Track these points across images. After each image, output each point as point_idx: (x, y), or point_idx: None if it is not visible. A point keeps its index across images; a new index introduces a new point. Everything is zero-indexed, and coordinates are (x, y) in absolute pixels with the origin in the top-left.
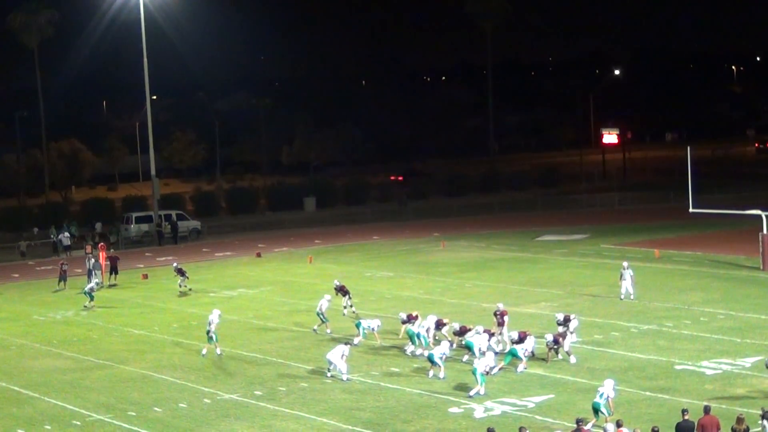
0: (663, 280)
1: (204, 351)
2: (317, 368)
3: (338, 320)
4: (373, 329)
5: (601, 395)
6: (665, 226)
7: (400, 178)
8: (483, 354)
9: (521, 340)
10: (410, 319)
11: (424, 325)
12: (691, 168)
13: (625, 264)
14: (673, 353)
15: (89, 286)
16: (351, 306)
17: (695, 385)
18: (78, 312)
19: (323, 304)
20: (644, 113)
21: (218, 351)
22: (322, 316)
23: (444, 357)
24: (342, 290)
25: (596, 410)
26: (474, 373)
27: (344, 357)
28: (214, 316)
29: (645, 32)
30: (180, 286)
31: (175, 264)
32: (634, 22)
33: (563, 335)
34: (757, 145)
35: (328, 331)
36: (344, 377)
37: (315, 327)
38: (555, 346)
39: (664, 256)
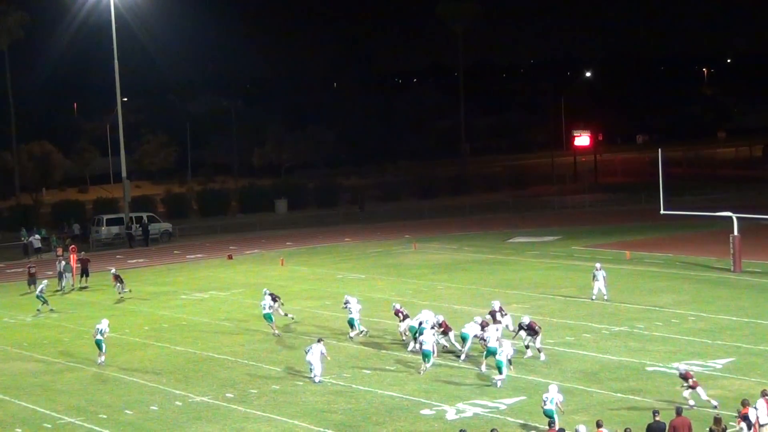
0: (634, 282)
1: (101, 359)
2: (289, 370)
3: (316, 321)
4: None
5: (551, 401)
6: (636, 227)
7: None
8: (500, 344)
9: (482, 327)
10: (398, 314)
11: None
12: (662, 170)
13: (597, 265)
14: (644, 355)
15: (39, 288)
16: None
17: (666, 387)
18: (48, 315)
19: (355, 306)
20: (615, 115)
21: (101, 359)
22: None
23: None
24: (272, 297)
25: (550, 416)
26: (499, 366)
27: (323, 355)
28: (104, 326)
29: (616, 34)
30: (119, 292)
31: (113, 270)
32: (605, 24)
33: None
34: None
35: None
36: (316, 379)
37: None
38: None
39: (635, 257)
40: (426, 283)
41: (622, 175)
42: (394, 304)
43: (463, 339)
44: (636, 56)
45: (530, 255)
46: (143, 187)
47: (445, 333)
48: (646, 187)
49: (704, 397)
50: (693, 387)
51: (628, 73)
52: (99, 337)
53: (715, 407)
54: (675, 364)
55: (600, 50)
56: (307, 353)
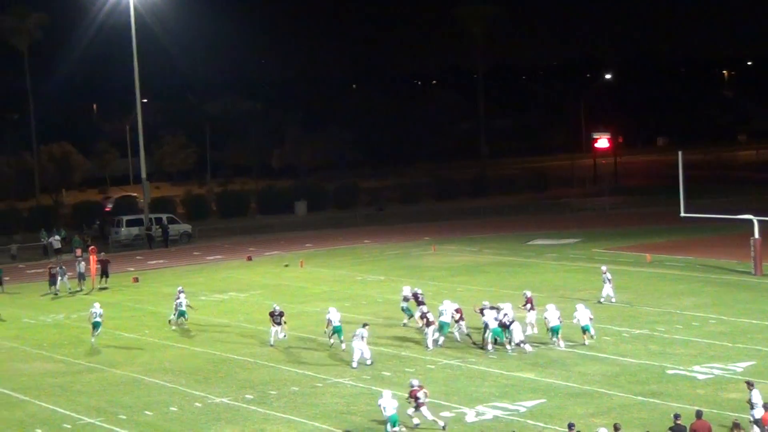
0: (654, 285)
1: (93, 340)
2: (308, 372)
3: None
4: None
5: (384, 408)
6: (656, 230)
7: None
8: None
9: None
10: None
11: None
12: (683, 172)
13: (603, 268)
14: (664, 358)
15: None
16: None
17: (687, 390)
18: (68, 315)
19: (405, 295)
20: (635, 118)
21: (93, 340)
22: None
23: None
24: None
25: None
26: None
27: (364, 339)
28: (97, 308)
29: (636, 36)
30: None
31: None
32: (624, 26)
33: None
34: None
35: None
36: (368, 362)
37: (404, 321)
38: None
39: (656, 260)
40: (445, 285)
41: (643, 177)
42: (415, 289)
43: (497, 335)
44: (656, 58)
45: (550, 257)
46: (162, 188)
47: (460, 320)
48: (667, 189)
49: (430, 417)
50: (418, 407)
51: (648, 75)
52: (98, 319)
53: (444, 428)
54: (411, 380)
55: (620, 52)
56: (353, 339)
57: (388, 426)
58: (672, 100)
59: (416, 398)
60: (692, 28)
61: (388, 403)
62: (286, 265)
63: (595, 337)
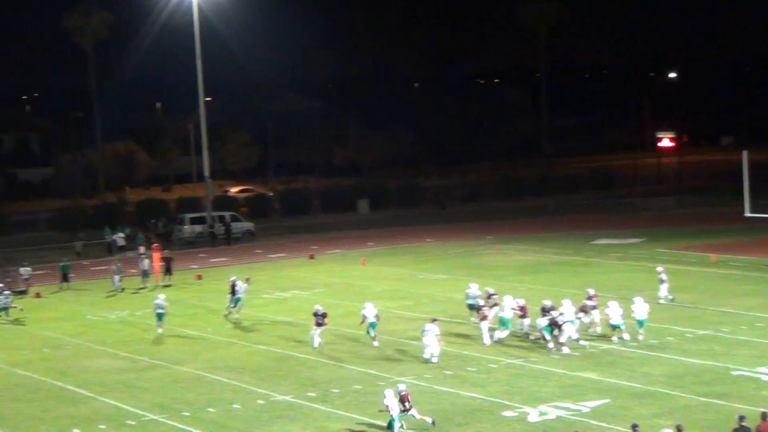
0: (719, 285)
1: (160, 330)
2: (370, 370)
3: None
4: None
5: (391, 409)
6: (721, 230)
7: None
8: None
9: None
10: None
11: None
12: (748, 172)
13: (659, 269)
14: (729, 359)
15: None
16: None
17: (752, 391)
18: (132, 312)
19: (471, 292)
20: (700, 117)
21: (160, 330)
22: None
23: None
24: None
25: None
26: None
27: (438, 336)
28: (161, 300)
29: (700, 35)
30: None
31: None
32: (689, 24)
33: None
34: None
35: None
36: (434, 360)
37: (472, 318)
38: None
39: (720, 260)
40: (508, 284)
41: (707, 177)
42: (487, 289)
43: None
44: (720, 57)
45: (613, 257)
46: (225, 186)
47: (523, 317)
48: (731, 189)
49: (417, 416)
50: (408, 410)
51: (713, 74)
52: (160, 311)
53: (433, 423)
54: (399, 386)
55: (684, 51)
56: (423, 335)
57: (396, 425)
58: (737, 98)
59: (408, 401)
60: (757, 25)
61: (393, 402)
62: (247, 279)
63: (643, 334)
